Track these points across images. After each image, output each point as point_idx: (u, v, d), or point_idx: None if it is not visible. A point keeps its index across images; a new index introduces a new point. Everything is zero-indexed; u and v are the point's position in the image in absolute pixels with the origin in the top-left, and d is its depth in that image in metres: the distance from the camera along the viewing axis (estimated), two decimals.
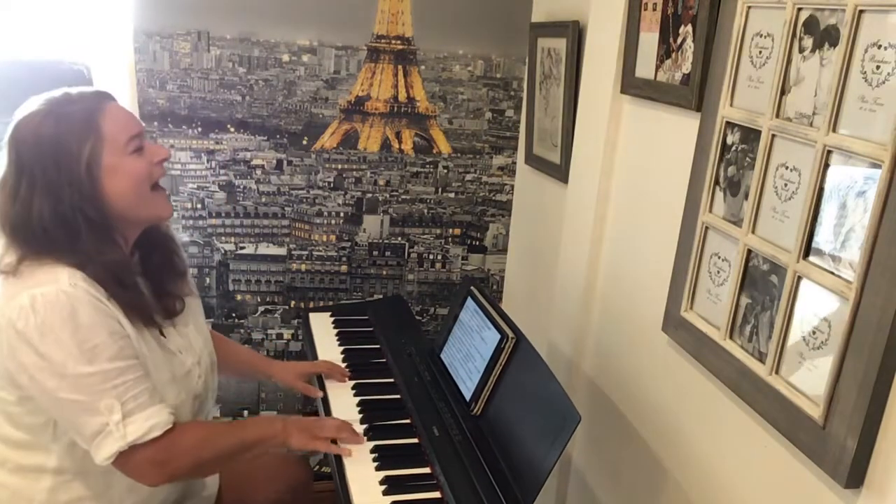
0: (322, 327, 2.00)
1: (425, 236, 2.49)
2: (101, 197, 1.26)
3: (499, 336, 1.54)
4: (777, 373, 1.11)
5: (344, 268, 2.46)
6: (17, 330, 1.18)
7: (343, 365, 1.81)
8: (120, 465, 1.26)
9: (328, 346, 1.91)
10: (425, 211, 2.47)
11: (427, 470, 1.43)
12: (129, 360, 1.25)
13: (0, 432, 1.32)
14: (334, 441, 1.47)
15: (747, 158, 1.19)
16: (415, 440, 1.52)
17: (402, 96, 2.35)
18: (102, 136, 1.25)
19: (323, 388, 1.73)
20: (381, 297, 2.49)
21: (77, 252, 1.24)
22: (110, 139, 1.26)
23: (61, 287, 1.19)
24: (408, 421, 1.58)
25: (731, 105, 1.23)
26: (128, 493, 1.36)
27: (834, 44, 0.99)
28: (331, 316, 2.06)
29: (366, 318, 2.06)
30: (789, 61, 1.08)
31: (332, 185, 2.37)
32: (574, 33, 1.87)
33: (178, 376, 1.38)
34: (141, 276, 1.36)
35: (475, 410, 1.54)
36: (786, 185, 1.10)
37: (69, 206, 1.23)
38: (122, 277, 1.28)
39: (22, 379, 1.22)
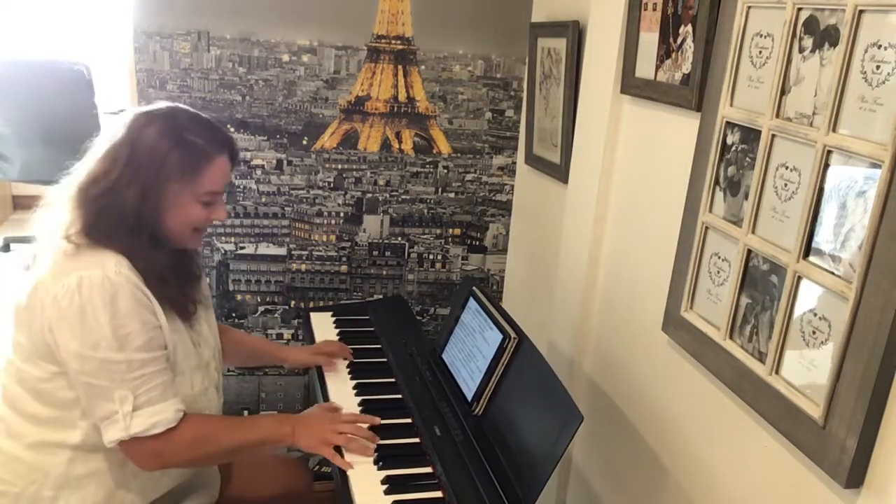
0: (323, 327, 2.00)
1: (425, 236, 2.49)
2: (162, 216, 1.36)
3: (501, 336, 1.54)
4: (777, 373, 1.12)
5: (344, 268, 2.46)
6: (62, 308, 1.26)
7: (345, 364, 1.81)
8: (122, 449, 1.34)
9: None
10: (425, 211, 2.47)
11: (429, 470, 1.43)
12: (154, 351, 1.32)
13: (26, 409, 1.36)
14: (339, 452, 1.47)
15: (747, 158, 1.19)
16: (416, 440, 1.52)
17: (402, 96, 2.35)
18: (196, 181, 1.35)
19: (324, 387, 1.73)
20: (381, 297, 2.49)
21: (132, 245, 1.32)
22: (199, 186, 1.36)
23: (107, 273, 1.27)
24: (409, 421, 1.59)
25: (731, 105, 1.23)
26: (140, 471, 1.41)
27: (834, 44, 0.99)
28: (331, 316, 2.07)
29: (367, 317, 2.06)
30: (789, 61, 1.09)
31: (332, 185, 2.38)
32: (574, 33, 1.87)
33: (202, 365, 1.47)
34: None
35: (477, 410, 1.54)
36: (786, 185, 1.10)
37: (147, 208, 1.33)
38: (164, 275, 1.36)
39: (58, 354, 1.30)
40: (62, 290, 1.26)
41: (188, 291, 1.45)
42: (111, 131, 1.36)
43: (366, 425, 1.51)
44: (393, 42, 2.28)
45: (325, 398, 1.68)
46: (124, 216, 1.31)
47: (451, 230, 2.51)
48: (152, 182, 1.32)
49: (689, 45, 1.36)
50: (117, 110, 2.01)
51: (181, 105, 1.43)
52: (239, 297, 2.40)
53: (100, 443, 1.35)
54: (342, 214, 2.41)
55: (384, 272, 2.50)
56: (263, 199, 2.34)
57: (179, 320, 1.40)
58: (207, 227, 1.46)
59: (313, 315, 2.07)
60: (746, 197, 1.19)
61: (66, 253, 1.30)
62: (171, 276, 1.37)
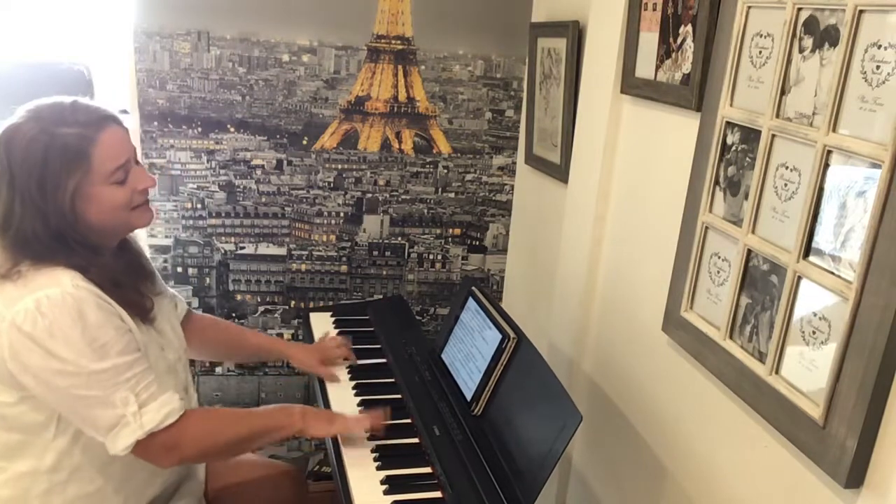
0: (323, 327, 2.00)
1: (425, 236, 2.49)
2: (81, 221, 1.28)
3: (500, 336, 1.54)
4: (777, 373, 1.11)
5: (344, 268, 2.46)
6: (24, 332, 1.20)
7: (344, 365, 1.81)
8: (137, 452, 1.30)
9: None
10: (425, 211, 2.47)
11: (428, 470, 1.43)
12: (135, 353, 1.29)
13: None
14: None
15: (747, 158, 1.19)
16: (416, 440, 1.52)
17: (402, 96, 2.35)
18: (90, 168, 1.26)
19: (323, 387, 1.73)
20: (381, 297, 2.49)
21: (71, 258, 1.26)
22: (96, 170, 1.26)
23: (65, 289, 1.22)
24: (409, 421, 1.59)
25: (731, 105, 1.23)
26: (121, 488, 1.39)
27: (834, 44, 0.99)
28: (331, 316, 2.07)
29: (366, 318, 2.06)
30: (789, 61, 1.09)
31: (332, 185, 2.37)
32: (574, 33, 1.87)
33: (170, 369, 1.44)
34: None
35: (476, 410, 1.54)
36: (786, 185, 1.10)
37: (55, 227, 1.25)
38: (116, 278, 1.31)
39: (25, 379, 1.24)
40: (21, 314, 1.20)
41: (143, 289, 1.41)
42: None
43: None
44: (393, 42, 2.28)
45: (325, 398, 1.69)
46: (40, 239, 1.24)
47: (451, 230, 2.50)
48: (40, 198, 1.23)
49: (689, 45, 1.36)
50: (119, 111, 2.01)
51: (44, 100, 1.28)
52: (239, 297, 2.40)
53: (76, 464, 1.33)
54: (342, 214, 2.41)
55: (384, 272, 2.50)
56: (263, 199, 2.34)
57: (143, 325, 1.36)
58: (145, 197, 1.36)
59: (313, 315, 2.07)
60: (746, 197, 1.19)
61: (10, 280, 1.23)
62: (124, 279, 1.33)
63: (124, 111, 2.11)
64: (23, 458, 1.32)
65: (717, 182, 1.27)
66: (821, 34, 1.02)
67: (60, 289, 1.22)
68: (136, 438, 1.26)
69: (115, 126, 1.31)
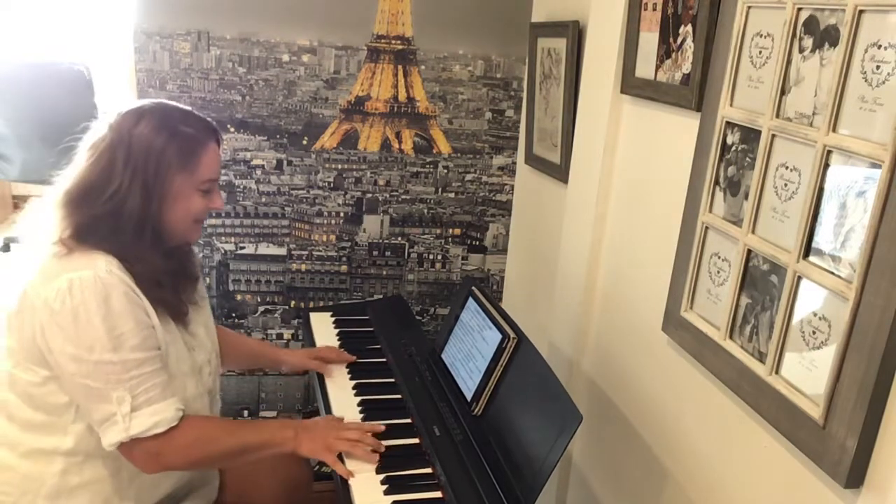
0: (323, 327, 2.00)
1: (425, 236, 2.49)
2: (166, 214, 1.36)
3: (500, 336, 1.54)
4: (777, 373, 1.11)
5: (344, 268, 2.46)
6: (53, 311, 1.25)
7: (344, 365, 1.81)
8: (122, 452, 1.32)
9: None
10: (425, 211, 2.47)
11: (428, 470, 1.43)
12: (149, 351, 1.31)
13: (18, 415, 1.35)
14: (341, 458, 1.44)
15: (747, 158, 1.19)
16: (416, 440, 1.52)
17: (402, 96, 2.35)
18: (195, 170, 1.35)
19: (323, 387, 1.73)
20: (381, 297, 2.49)
21: (132, 246, 1.31)
22: (199, 173, 1.36)
23: (98, 272, 1.26)
24: (409, 421, 1.59)
25: (731, 105, 1.23)
26: (136, 477, 1.40)
27: (834, 44, 0.99)
28: (331, 316, 2.07)
29: (366, 317, 2.06)
30: (789, 61, 1.09)
31: (332, 185, 2.38)
32: (574, 33, 1.87)
33: (195, 370, 1.45)
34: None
35: (476, 410, 1.54)
36: (786, 185, 1.10)
37: (151, 211, 1.33)
38: (159, 278, 1.35)
39: (50, 359, 1.28)
40: (53, 293, 1.25)
41: (182, 292, 1.43)
42: (97, 134, 1.34)
43: (370, 434, 1.48)
44: (393, 42, 2.28)
45: (325, 398, 1.69)
46: (129, 219, 1.31)
47: (451, 230, 2.50)
48: (153, 180, 1.32)
49: (689, 45, 1.36)
50: None
51: (162, 100, 1.43)
52: (239, 297, 2.40)
53: (93, 449, 1.34)
54: (342, 214, 2.41)
55: (384, 272, 2.50)
56: (263, 199, 2.34)
57: (172, 322, 1.38)
58: (205, 217, 1.46)
59: (313, 315, 2.07)
60: (746, 197, 1.19)
61: (55, 256, 1.29)
62: (167, 280, 1.36)
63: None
64: (45, 436, 1.34)
65: (717, 182, 1.27)
66: (821, 34, 1.02)
67: (93, 272, 1.25)
68: (120, 440, 1.28)
69: (217, 143, 1.42)
